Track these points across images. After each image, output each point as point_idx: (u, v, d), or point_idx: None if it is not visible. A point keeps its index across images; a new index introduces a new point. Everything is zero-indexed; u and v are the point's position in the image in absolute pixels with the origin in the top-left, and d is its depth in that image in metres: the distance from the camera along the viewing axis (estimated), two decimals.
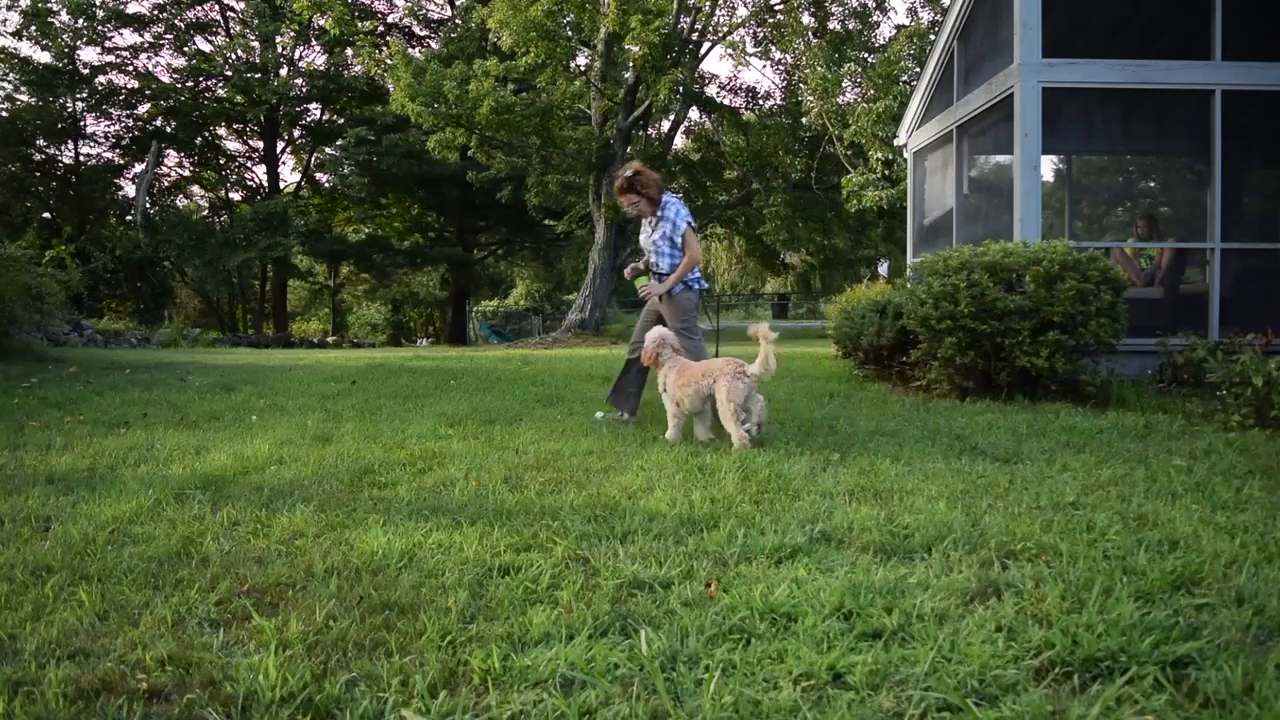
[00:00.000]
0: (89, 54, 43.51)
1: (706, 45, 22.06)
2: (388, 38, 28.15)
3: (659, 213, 5.79)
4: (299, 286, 39.93)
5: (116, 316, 27.58)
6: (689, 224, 5.77)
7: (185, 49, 31.14)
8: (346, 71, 31.22)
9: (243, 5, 31.05)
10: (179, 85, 30.51)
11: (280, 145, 33.36)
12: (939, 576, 2.77)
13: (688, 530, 3.34)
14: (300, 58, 32.39)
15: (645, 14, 17.75)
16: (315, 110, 33.28)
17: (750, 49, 21.67)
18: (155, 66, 31.03)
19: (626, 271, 6.13)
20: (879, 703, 2.03)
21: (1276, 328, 6.90)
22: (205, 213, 34.33)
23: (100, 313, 26.16)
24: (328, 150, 33.32)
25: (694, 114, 24.82)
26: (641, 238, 5.99)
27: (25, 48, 28.54)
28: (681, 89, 21.28)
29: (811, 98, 18.61)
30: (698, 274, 5.92)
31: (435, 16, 32.15)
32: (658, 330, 5.51)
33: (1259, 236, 9.19)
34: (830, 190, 21.37)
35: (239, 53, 30.72)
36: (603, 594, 2.68)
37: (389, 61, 20.29)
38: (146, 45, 30.69)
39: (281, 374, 10.12)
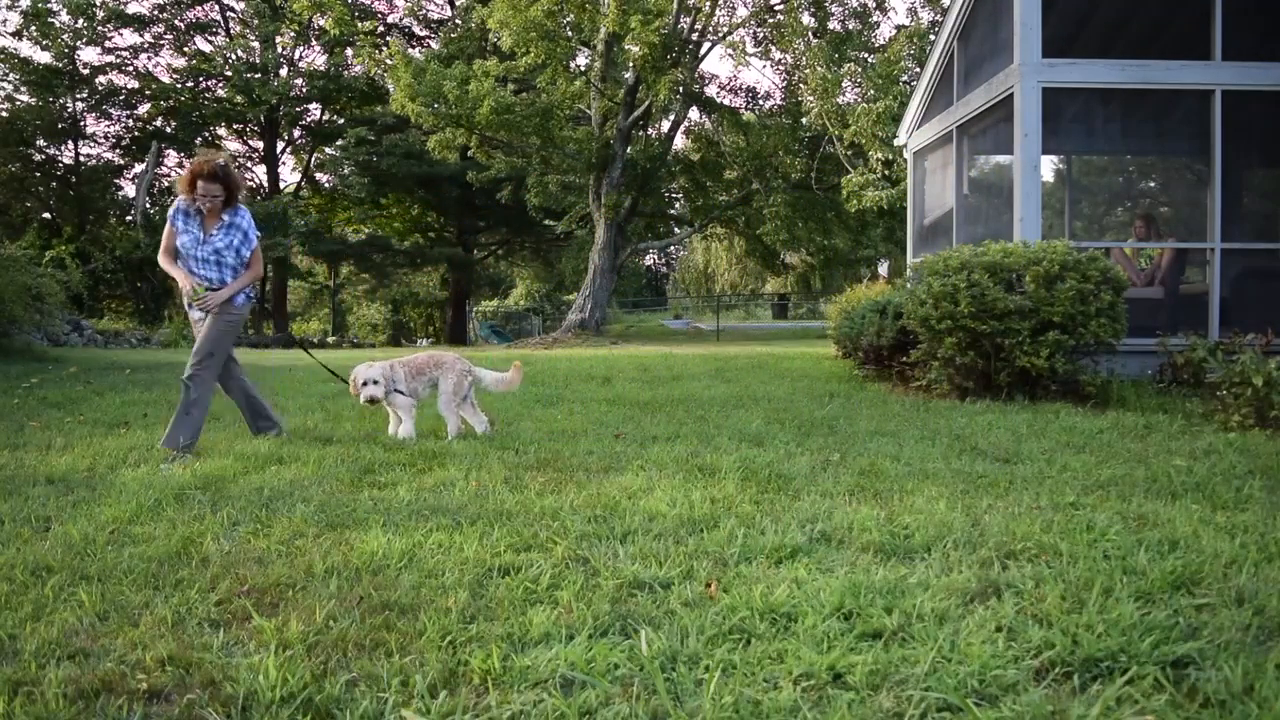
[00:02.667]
0: (89, 54, 43.54)
1: (706, 45, 22.06)
2: (388, 38, 28.14)
3: (234, 218, 5.20)
4: (299, 287, 39.88)
5: (116, 317, 27.54)
6: (259, 237, 5.45)
7: (185, 49, 31.11)
8: (346, 71, 31.19)
9: (243, 5, 31.03)
10: (179, 85, 30.47)
11: (280, 145, 33.34)
12: (939, 576, 2.77)
13: (688, 530, 3.34)
14: (300, 58, 32.37)
15: (645, 14, 17.76)
16: (315, 110, 33.26)
17: (750, 49, 21.67)
18: (155, 67, 31.00)
19: (186, 289, 5.22)
20: (879, 703, 2.03)
21: (1276, 328, 6.90)
22: None
23: (100, 313, 26.13)
24: (328, 150, 33.28)
25: (694, 114, 24.82)
26: (187, 241, 5.14)
27: (25, 48, 28.58)
28: (681, 89, 21.28)
29: (811, 98, 18.61)
30: (254, 289, 5.66)
31: (435, 16, 32.15)
32: (365, 371, 5.36)
33: (1259, 236, 9.19)
34: (830, 190, 21.37)
35: (239, 53, 30.69)
36: (603, 594, 2.68)
37: (389, 62, 20.30)
38: (146, 45, 30.66)
39: (281, 374, 10.12)
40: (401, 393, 5.46)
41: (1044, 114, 7.83)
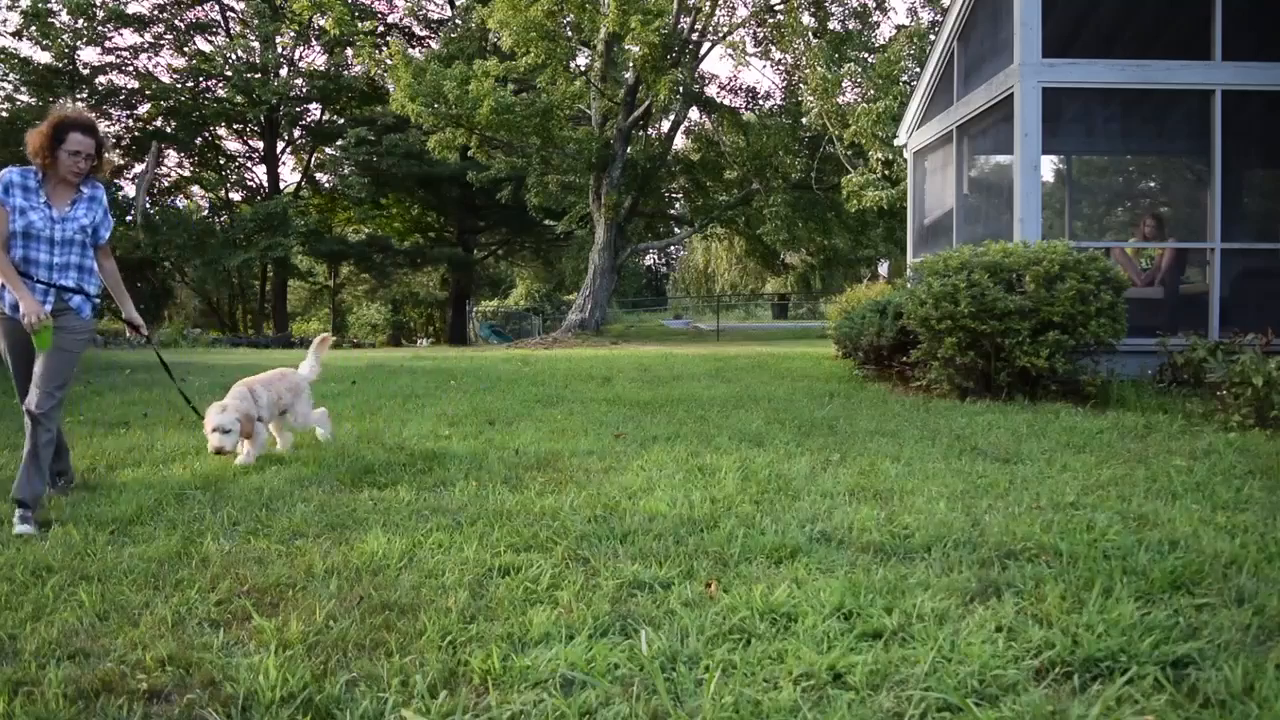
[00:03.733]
0: (89, 54, 43.41)
1: (706, 45, 22.06)
2: (388, 38, 28.13)
3: (94, 191, 4.10)
4: (299, 287, 39.87)
5: (116, 317, 27.51)
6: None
7: (185, 49, 31.10)
8: (346, 71, 31.19)
9: (243, 5, 31.03)
10: (179, 85, 30.48)
11: (280, 145, 33.33)
12: (939, 576, 2.77)
13: (688, 530, 3.34)
14: (300, 58, 32.37)
15: (645, 14, 17.74)
16: (315, 110, 33.25)
17: (750, 49, 21.67)
18: (155, 67, 30.99)
19: (33, 320, 3.71)
20: (879, 703, 2.03)
21: (1276, 328, 6.90)
22: (205, 213, 34.29)
23: (100, 313, 26.12)
24: (328, 150, 33.28)
25: (694, 114, 24.82)
26: (37, 220, 3.86)
27: (25, 48, 28.50)
28: (681, 89, 21.27)
29: (811, 98, 18.60)
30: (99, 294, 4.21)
31: (435, 16, 32.12)
32: (217, 416, 4.58)
33: (1259, 236, 9.19)
34: (830, 190, 21.36)
35: (239, 53, 30.68)
36: (603, 594, 2.68)
37: (389, 62, 20.29)
38: (146, 45, 30.65)
39: None
40: (262, 419, 4.87)
41: (1044, 114, 7.83)
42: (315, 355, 5.56)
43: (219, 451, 4.53)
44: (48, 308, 3.85)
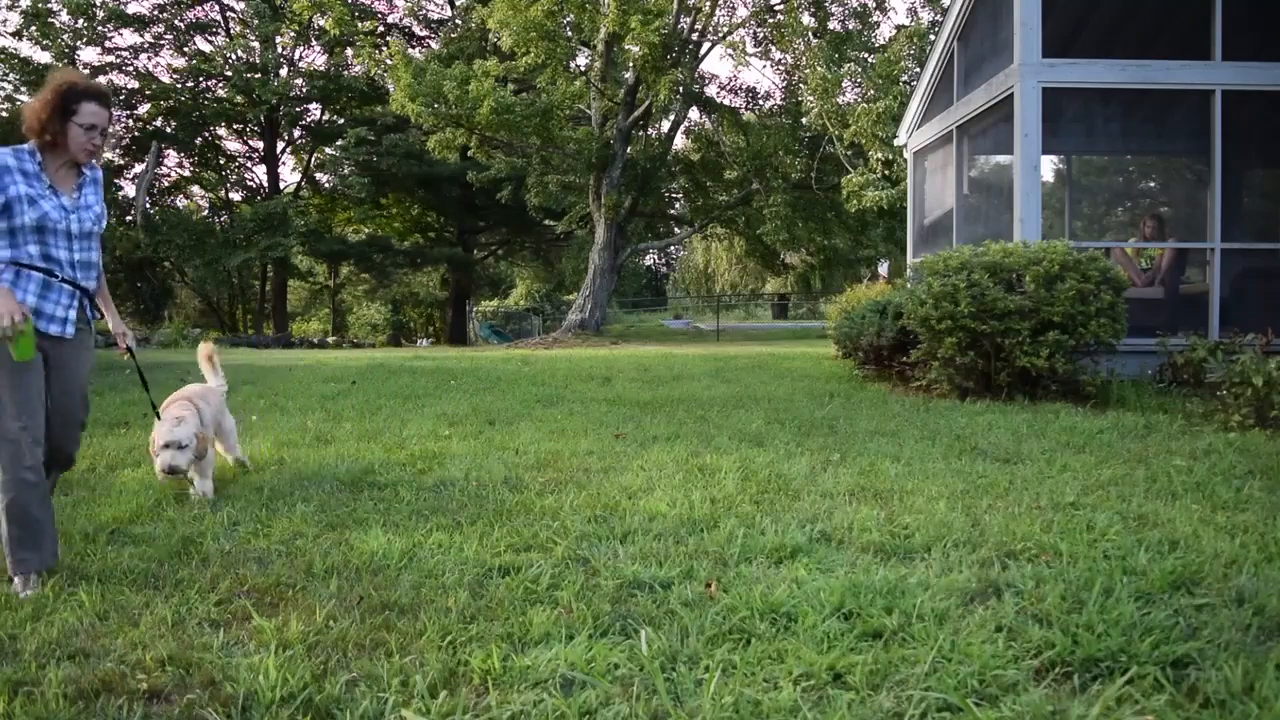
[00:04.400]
0: (89, 54, 43.47)
1: (706, 45, 22.06)
2: (388, 38, 28.12)
3: (94, 172, 3.36)
4: (299, 287, 39.87)
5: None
6: None
7: (185, 49, 31.11)
8: (346, 71, 31.19)
9: (243, 5, 31.03)
10: (179, 85, 30.49)
11: (280, 145, 33.33)
12: (939, 576, 2.77)
13: (688, 530, 3.34)
14: (300, 58, 32.37)
15: (645, 14, 17.75)
16: (315, 110, 33.25)
17: (750, 49, 21.67)
18: (155, 67, 30.98)
19: (16, 320, 2.89)
20: (879, 703, 2.03)
21: (1276, 328, 6.90)
22: (205, 213, 34.29)
23: (100, 313, 26.10)
24: (328, 150, 33.27)
25: (694, 114, 24.82)
26: (51, 211, 3.11)
27: (25, 48, 28.53)
28: (681, 89, 21.28)
29: (811, 98, 18.60)
30: None
31: (435, 16, 32.13)
32: (170, 430, 3.88)
33: (1259, 236, 9.19)
34: (830, 190, 21.36)
35: (239, 53, 30.69)
36: (603, 594, 2.68)
37: (389, 62, 20.29)
38: (146, 45, 30.65)
39: (281, 374, 10.12)
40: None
41: (1044, 114, 7.83)
42: (214, 369, 4.92)
43: (172, 471, 3.78)
44: (72, 314, 3.22)
